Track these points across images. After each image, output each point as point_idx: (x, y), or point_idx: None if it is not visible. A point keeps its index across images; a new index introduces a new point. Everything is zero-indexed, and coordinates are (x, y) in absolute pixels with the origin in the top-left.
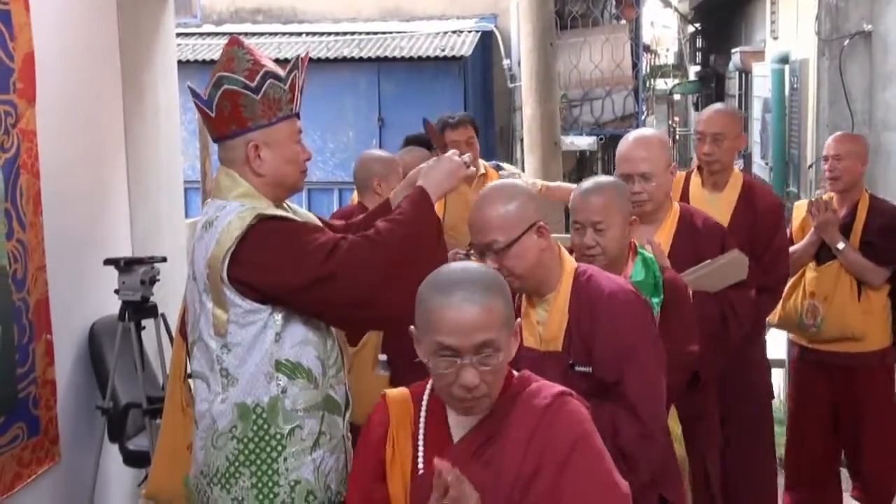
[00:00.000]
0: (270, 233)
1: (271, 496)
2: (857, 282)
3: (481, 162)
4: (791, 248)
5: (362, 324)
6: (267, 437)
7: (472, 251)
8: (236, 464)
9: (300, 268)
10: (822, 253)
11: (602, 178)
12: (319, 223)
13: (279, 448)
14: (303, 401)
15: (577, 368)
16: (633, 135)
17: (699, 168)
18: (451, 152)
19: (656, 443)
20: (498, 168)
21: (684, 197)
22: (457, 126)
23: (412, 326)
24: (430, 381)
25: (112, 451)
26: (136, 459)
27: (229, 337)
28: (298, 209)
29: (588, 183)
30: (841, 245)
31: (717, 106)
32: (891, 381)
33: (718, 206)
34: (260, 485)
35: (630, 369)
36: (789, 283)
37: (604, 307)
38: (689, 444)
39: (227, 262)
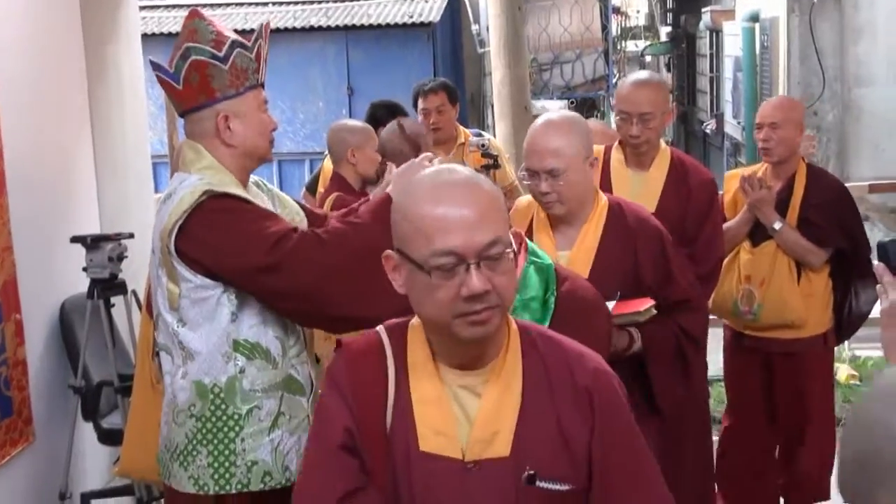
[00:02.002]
0: (218, 212)
1: (227, 476)
2: (795, 263)
3: (461, 129)
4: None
5: (304, 319)
6: (224, 417)
7: None
8: (194, 441)
9: (243, 253)
10: (757, 233)
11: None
12: (294, 207)
13: (236, 428)
14: (261, 381)
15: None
16: (541, 119)
17: (621, 142)
18: (423, 156)
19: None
20: (479, 135)
21: (605, 176)
22: (427, 93)
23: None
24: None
25: (86, 430)
26: (110, 437)
27: (182, 312)
28: (278, 192)
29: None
30: (777, 225)
31: (641, 77)
32: (831, 367)
33: (645, 187)
34: (216, 464)
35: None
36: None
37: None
38: None
39: (174, 235)
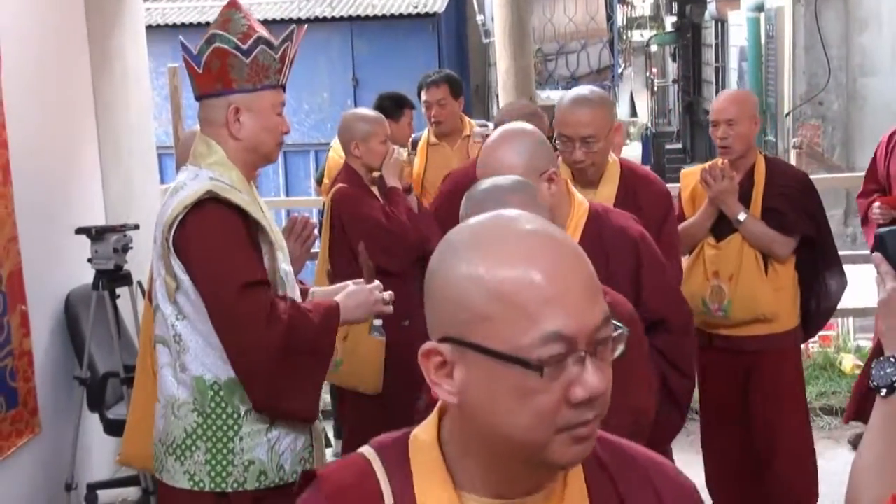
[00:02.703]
0: (210, 221)
1: (224, 474)
2: (762, 256)
3: (467, 121)
4: (683, 225)
5: (230, 361)
6: (224, 416)
7: None
8: (193, 436)
9: (212, 279)
10: (720, 226)
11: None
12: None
13: (235, 427)
14: None
15: None
16: (494, 136)
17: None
18: (373, 285)
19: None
20: (483, 126)
21: None
22: (429, 86)
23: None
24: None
25: (92, 421)
26: (116, 428)
27: (180, 305)
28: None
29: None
30: (742, 216)
31: (580, 94)
32: (801, 365)
33: None
34: (214, 462)
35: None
36: (686, 265)
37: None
38: None
39: (174, 229)
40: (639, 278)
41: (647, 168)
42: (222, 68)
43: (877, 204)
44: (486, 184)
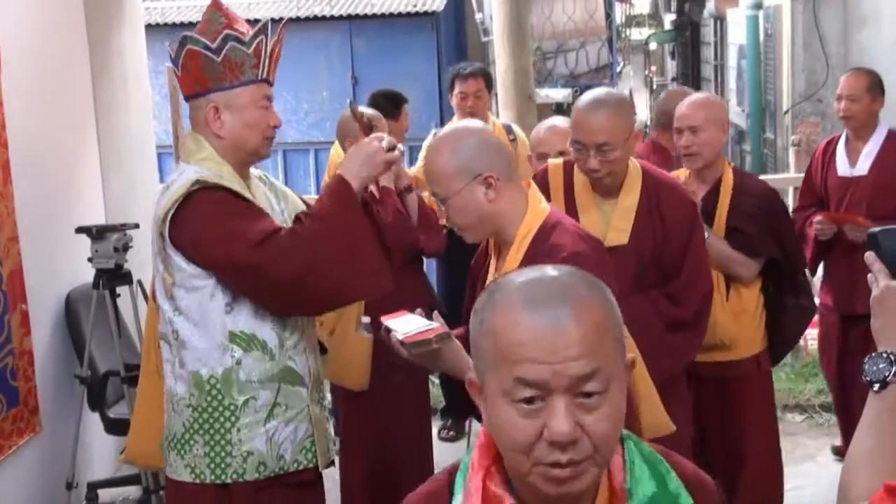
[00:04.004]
0: (206, 203)
1: (223, 465)
2: (724, 278)
3: (491, 118)
4: None
5: (289, 311)
6: (221, 408)
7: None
8: (191, 431)
9: (226, 248)
10: None
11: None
12: (296, 201)
13: (232, 419)
14: (258, 372)
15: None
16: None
17: None
18: (373, 136)
19: None
20: (508, 130)
21: (569, 200)
22: (466, 77)
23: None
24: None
25: (93, 420)
26: (116, 427)
27: (177, 301)
28: (281, 186)
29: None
30: (705, 234)
31: (597, 96)
32: (769, 393)
33: (615, 216)
34: (213, 454)
35: None
36: None
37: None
38: None
39: (167, 223)
40: None
41: (673, 175)
42: (196, 69)
43: (818, 218)
44: None
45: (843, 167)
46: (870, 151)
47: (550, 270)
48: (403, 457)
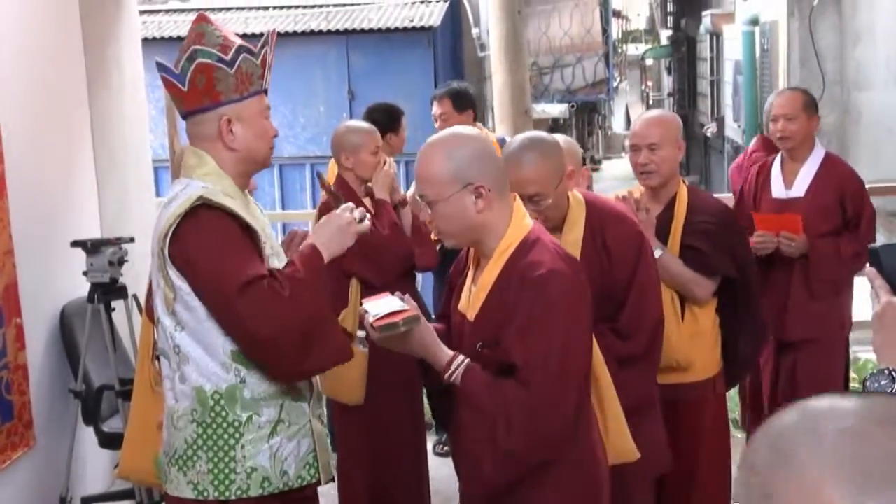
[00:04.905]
0: (205, 227)
1: (227, 482)
2: (679, 298)
3: (484, 131)
4: None
5: (251, 357)
6: (224, 424)
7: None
8: (194, 447)
9: (215, 283)
10: None
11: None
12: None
13: (236, 435)
14: (262, 390)
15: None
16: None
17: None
18: (343, 207)
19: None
20: (502, 143)
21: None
22: (433, 101)
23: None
24: None
25: (87, 435)
26: (111, 442)
27: (178, 316)
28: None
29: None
30: (658, 252)
31: (523, 146)
32: (724, 418)
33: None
34: (216, 471)
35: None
36: None
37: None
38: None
39: (168, 239)
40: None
41: (620, 203)
42: (208, 83)
43: (756, 234)
44: None
45: (777, 189)
46: (807, 173)
47: None
48: (399, 472)
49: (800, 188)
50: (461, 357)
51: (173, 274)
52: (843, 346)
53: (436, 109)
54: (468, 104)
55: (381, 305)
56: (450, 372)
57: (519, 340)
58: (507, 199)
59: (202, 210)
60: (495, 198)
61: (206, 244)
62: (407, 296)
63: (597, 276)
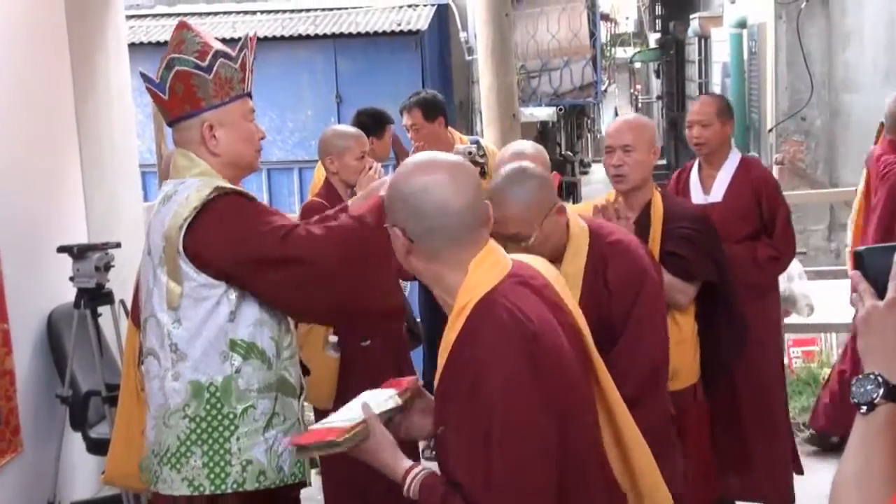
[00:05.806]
0: (228, 207)
1: (223, 475)
2: None
3: (456, 138)
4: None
5: (308, 312)
6: (220, 417)
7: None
8: (188, 443)
9: (254, 246)
10: None
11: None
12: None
13: (231, 427)
14: (257, 381)
15: None
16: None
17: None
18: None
19: None
20: (475, 143)
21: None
22: (402, 111)
23: None
24: None
25: (75, 440)
26: (98, 447)
27: (181, 311)
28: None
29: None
30: None
31: (510, 175)
32: (705, 425)
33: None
34: (212, 464)
35: None
36: None
37: None
38: None
39: (183, 233)
40: None
41: (622, 233)
42: (187, 90)
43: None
44: None
45: (696, 195)
46: (724, 178)
47: None
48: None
49: (717, 193)
50: (417, 468)
51: (186, 267)
52: (777, 347)
53: (406, 120)
54: (437, 112)
55: (348, 409)
56: (405, 486)
57: (457, 448)
58: (463, 248)
59: (220, 198)
60: (422, 249)
61: (236, 223)
62: (415, 378)
63: (594, 308)
